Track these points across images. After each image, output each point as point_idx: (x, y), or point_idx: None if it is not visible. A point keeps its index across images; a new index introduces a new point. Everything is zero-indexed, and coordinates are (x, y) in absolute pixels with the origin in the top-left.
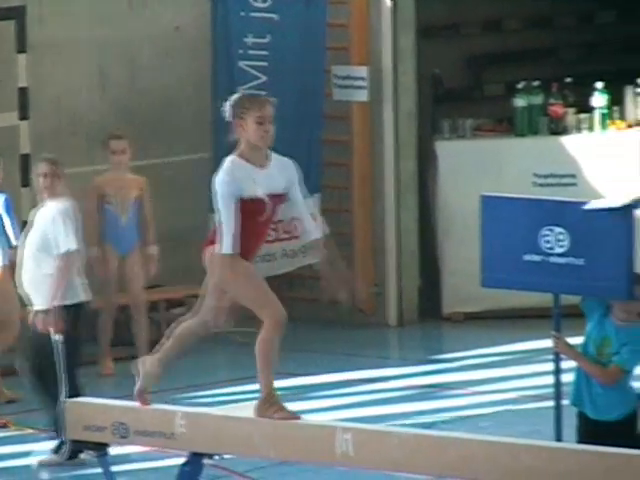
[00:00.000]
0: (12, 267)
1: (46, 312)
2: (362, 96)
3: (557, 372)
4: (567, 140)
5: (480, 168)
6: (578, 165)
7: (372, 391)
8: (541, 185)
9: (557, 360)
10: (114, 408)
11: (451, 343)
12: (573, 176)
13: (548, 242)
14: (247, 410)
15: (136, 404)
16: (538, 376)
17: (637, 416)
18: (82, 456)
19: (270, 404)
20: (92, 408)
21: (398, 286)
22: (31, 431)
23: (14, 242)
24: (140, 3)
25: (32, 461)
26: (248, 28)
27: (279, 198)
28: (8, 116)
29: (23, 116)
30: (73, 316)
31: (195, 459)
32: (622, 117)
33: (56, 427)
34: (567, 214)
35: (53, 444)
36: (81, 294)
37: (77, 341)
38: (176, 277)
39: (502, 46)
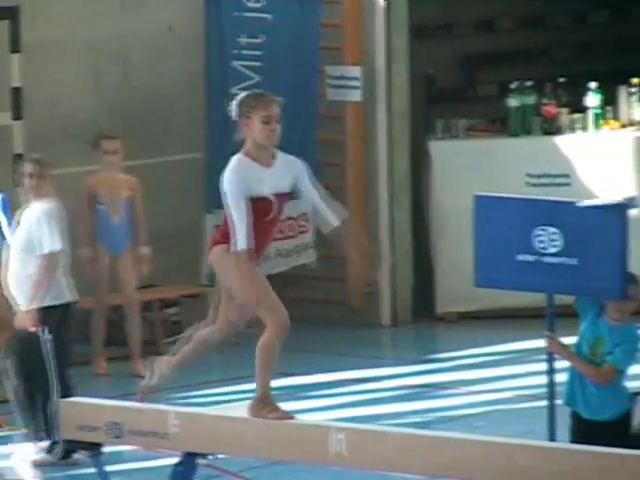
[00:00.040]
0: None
1: (28, 312)
2: (355, 96)
3: (551, 372)
4: (560, 140)
5: (473, 168)
6: (571, 165)
7: (366, 391)
8: (534, 185)
9: (551, 360)
10: (108, 408)
11: (445, 343)
12: (566, 176)
13: (541, 242)
14: (241, 410)
15: (129, 404)
16: (532, 376)
17: (630, 416)
18: (75, 456)
19: (264, 404)
20: (85, 408)
21: (392, 286)
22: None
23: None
24: (134, 3)
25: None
26: (242, 28)
27: (285, 197)
28: (1, 116)
29: (16, 116)
30: (60, 316)
31: (188, 459)
32: (615, 117)
33: (47, 427)
34: (561, 214)
35: (27, 445)
36: (67, 294)
37: (65, 341)
38: (170, 277)
39: (495, 46)
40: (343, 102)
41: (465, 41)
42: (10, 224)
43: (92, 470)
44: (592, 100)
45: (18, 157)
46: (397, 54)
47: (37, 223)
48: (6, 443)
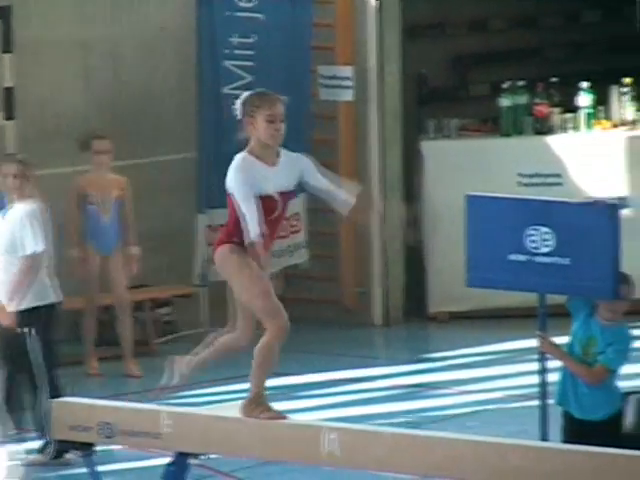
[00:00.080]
0: None
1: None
2: (348, 96)
3: (543, 372)
4: (552, 140)
5: (465, 168)
6: (563, 165)
7: (358, 391)
8: (526, 185)
9: (542, 360)
10: (99, 408)
11: (437, 342)
12: (558, 176)
13: (533, 242)
14: (233, 410)
15: (122, 404)
16: (524, 376)
17: (622, 416)
18: (67, 456)
19: (257, 404)
20: (77, 408)
21: (384, 286)
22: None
23: None
24: (126, 3)
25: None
26: (233, 28)
27: (289, 195)
28: None
29: (9, 116)
30: (45, 317)
31: (181, 459)
32: (607, 117)
33: (37, 428)
34: (553, 214)
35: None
36: (51, 295)
37: (52, 342)
38: (161, 277)
39: (487, 46)
40: (335, 102)
41: (457, 41)
42: None
43: (84, 470)
44: (584, 100)
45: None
46: (389, 54)
47: (20, 224)
48: None
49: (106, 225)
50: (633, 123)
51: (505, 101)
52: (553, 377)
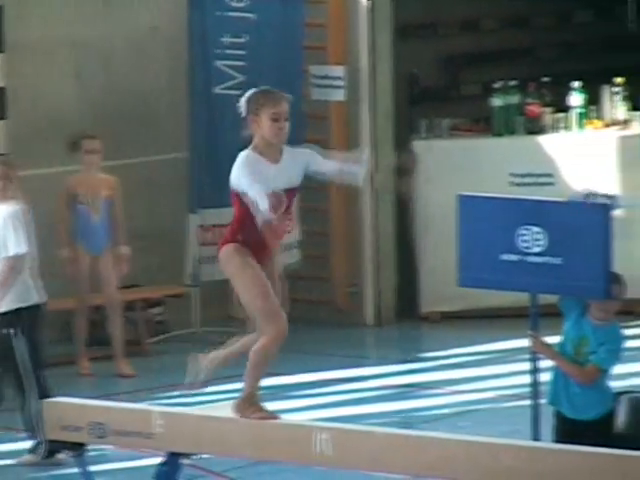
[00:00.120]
0: None
1: None
2: (339, 96)
3: (534, 371)
4: (544, 140)
5: (457, 168)
6: (555, 164)
7: (350, 391)
8: (518, 185)
9: (534, 359)
10: (91, 408)
11: (429, 342)
12: (550, 175)
13: (525, 241)
14: (225, 410)
15: (113, 404)
16: (516, 375)
17: (614, 416)
18: (60, 456)
19: (250, 404)
20: (69, 408)
21: (376, 285)
22: (5, 431)
23: None
24: (117, 3)
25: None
26: (225, 28)
27: (294, 192)
28: None
29: (1, 116)
30: (29, 318)
31: (173, 459)
32: (599, 116)
33: (27, 428)
34: (544, 213)
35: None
36: (35, 296)
37: (38, 343)
38: (153, 277)
39: (479, 46)
40: (327, 102)
41: (449, 41)
42: None
43: (76, 470)
44: (576, 100)
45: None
46: (381, 54)
47: (3, 226)
48: None
49: (96, 225)
50: (625, 123)
51: (497, 101)
52: (545, 377)
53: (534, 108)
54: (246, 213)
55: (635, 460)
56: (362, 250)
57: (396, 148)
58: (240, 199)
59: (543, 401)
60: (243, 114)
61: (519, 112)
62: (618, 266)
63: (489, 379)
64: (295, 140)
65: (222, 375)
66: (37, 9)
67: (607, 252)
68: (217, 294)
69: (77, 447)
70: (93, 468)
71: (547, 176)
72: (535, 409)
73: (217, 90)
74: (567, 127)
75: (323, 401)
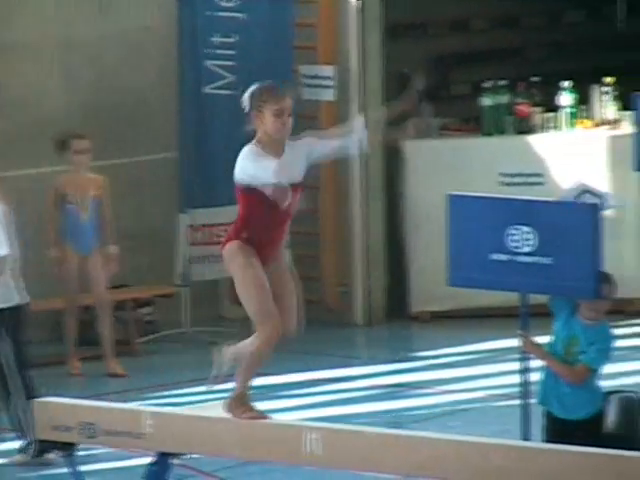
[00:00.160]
0: None
1: None
2: (329, 95)
3: (524, 371)
4: (534, 139)
5: (447, 167)
6: (545, 164)
7: (340, 390)
8: (508, 184)
9: (524, 359)
10: (81, 408)
11: (419, 342)
12: (540, 175)
13: (515, 241)
14: (215, 410)
15: (104, 404)
16: (506, 375)
17: (604, 415)
18: (50, 456)
19: (240, 403)
20: (59, 408)
21: (365, 285)
22: None
23: None
24: (107, 3)
25: None
26: (215, 27)
27: (298, 187)
28: None
29: None
30: (11, 319)
31: (162, 459)
32: (589, 116)
33: (14, 428)
34: (534, 213)
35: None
36: (16, 297)
37: (21, 343)
38: (143, 277)
39: (469, 46)
40: (317, 101)
41: (439, 41)
42: None
43: (66, 470)
44: (565, 99)
45: None
46: (371, 53)
47: None
48: None
49: (85, 225)
50: (615, 122)
51: (486, 101)
52: (535, 377)
53: (524, 108)
54: (251, 210)
55: (625, 460)
56: (352, 250)
57: (386, 149)
58: (245, 195)
59: (533, 401)
60: (246, 109)
61: (509, 112)
62: (608, 266)
63: (479, 379)
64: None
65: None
66: (25, 9)
67: (597, 252)
68: (207, 294)
69: (67, 447)
70: (83, 468)
71: (537, 176)
72: (525, 409)
73: (207, 90)
74: (557, 127)
75: (313, 401)
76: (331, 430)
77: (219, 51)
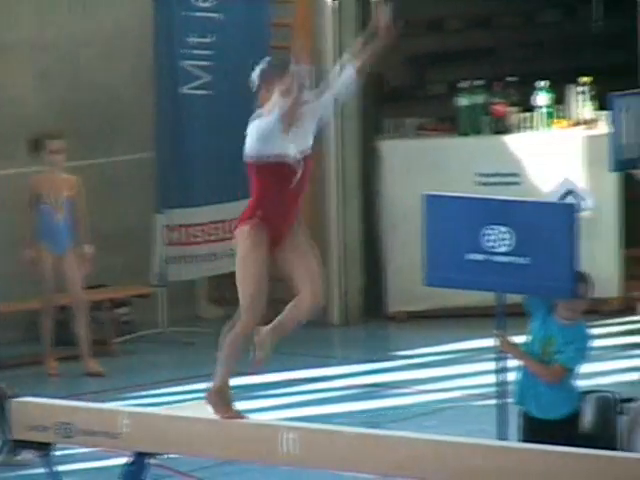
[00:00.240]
0: None
1: None
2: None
3: (501, 371)
4: (510, 139)
5: (423, 167)
6: (521, 164)
7: (316, 390)
8: (484, 184)
9: (501, 359)
10: (58, 408)
11: (395, 342)
12: (516, 175)
13: (491, 241)
14: (192, 410)
15: (80, 403)
16: (482, 375)
17: (580, 415)
18: (26, 456)
19: (220, 397)
20: (36, 408)
21: (342, 285)
22: None
23: None
24: (82, 3)
25: None
26: (191, 28)
27: (308, 159)
28: None
29: None
30: None
31: (139, 459)
32: (565, 116)
33: None
34: (510, 213)
35: None
36: None
37: None
38: (120, 277)
39: (445, 46)
40: None
41: (415, 41)
42: None
43: (43, 470)
44: (542, 99)
45: None
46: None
47: None
48: None
49: (59, 224)
50: (591, 122)
51: (463, 100)
52: (511, 376)
53: (500, 108)
54: (264, 187)
55: (600, 459)
56: (328, 249)
57: (362, 149)
58: (257, 171)
59: (510, 400)
60: (254, 89)
61: (485, 112)
62: (583, 266)
63: (456, 379)
64: None
65: (188, 375)
66: (2, 11)
67: (573, 251)
68: (184, 294)
69: (44, 447)
70: (60, 468)
71: (513, 176)
72: (502, 408)
73: (183, 90)
74: (533, 127)
75: (289, 401)
76: (308, 430)
77: (195, 51)
